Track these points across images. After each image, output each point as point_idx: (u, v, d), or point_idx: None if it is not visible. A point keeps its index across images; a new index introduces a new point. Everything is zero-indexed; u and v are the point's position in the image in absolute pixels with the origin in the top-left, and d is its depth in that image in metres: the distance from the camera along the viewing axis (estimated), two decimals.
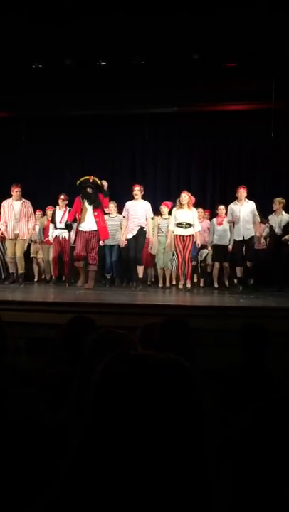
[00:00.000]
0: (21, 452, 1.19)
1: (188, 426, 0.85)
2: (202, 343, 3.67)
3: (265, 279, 8.75)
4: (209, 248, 9.35)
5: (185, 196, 8.04)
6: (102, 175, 8.62)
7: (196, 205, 8.76)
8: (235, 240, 8.36)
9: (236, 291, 8.24)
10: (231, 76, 9.12)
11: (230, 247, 8.65)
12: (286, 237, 8.23)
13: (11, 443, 1.19)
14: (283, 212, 8.46)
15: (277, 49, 8.56)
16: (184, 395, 0.87)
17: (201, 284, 9.58)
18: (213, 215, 9.58)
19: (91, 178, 7.91)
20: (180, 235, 8.00)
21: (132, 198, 8.24)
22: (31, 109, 10.27)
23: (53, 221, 9.10)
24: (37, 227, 9.62)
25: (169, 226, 8.25)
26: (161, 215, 9.03)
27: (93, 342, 1.66)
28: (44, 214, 9.93)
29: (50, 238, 9.24)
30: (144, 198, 8.31)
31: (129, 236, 8.10)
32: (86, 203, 7.85)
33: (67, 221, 8.40)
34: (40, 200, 10.01)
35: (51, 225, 9.20)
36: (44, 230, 9.77)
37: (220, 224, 9.09)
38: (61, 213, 8.92)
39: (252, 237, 8.22)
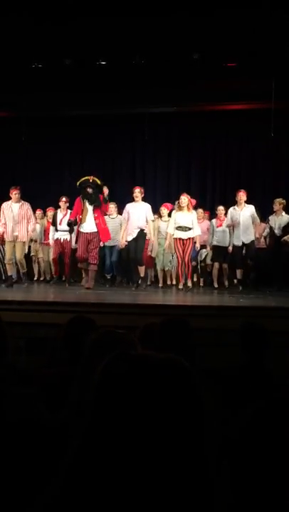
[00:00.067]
0: (21, 452, 1.19)
1: (188, 426, 0.85)
2: (202, 343, 3.67)
3: (265, 279, 8.75)
4: (208, 248, 9.35)
5: (185, 199, 8.05)
6: (102, 175, 8.62)
7: (196, 206, 8.77)
8: (234, 245, 8.36)
9: (236, 291, 8.24)
10: (231, 76, 9.11)
11: (230, 248, 8.65)
12: (285, 238, 8.23)
13: (10, 443, 1.19)
14: (283, 213, 8.46)
15: (277, 49, 8.55)
16: (184, 395, 0.87)
17: (201, 284, 9.58)
18: (212, 216, 9.57)
19: (91, 178, 7.92)
20: (180, 238, 8.01)
21: (132, 199, 8.23)
22: (31, 109, 10.27)
23: (53, 223, 9.11)
24: (38, 226, 9.62)
25: (168, 228, 8.26)
26: (160, 216, 9.04)
27: (93, 342, 1.66)
28: (45, 214, 9.93)
29: (51, 241, 9.24)
30: (144, 198, 8.31)
31: (130, 238, 8.09)
32: (87, 204, 7.86)
33: (69, 219, 8.38)
34: (40, 200, 10.01)
35: (52, 228, 9.20)
36: (44, 232, 9.77)
37: (219, 226, 9.09)
38: (62, 216, 8.94)
39: (252, 241, 8.22)
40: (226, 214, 8.76)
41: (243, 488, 0.88)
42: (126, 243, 8.20)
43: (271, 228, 8.58)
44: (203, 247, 9.15)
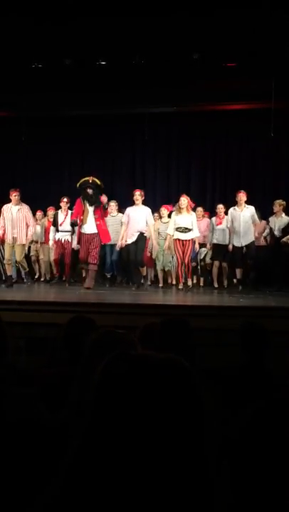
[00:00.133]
0: (21, 452, 1.19)
1: (188, 426, 0.85)
2: (202, 343, 3.67)
3: (265, 279, 8.76)
4: (208, 247, 9.35)
5: (184, 200, 8.07)
6: (102, 175, 8.63)
7: (196, 205, 8.78)
8: (234, 245, 8.37)
9: (236, 290, 8.25)
10: (231, 76, 9.11)
11: (230, 246, 8.65)
12: (284, 239, 8.24)
13: (10, 443, 1.19)
14: (283, 215, 8.46)
15: (277, 49, 8.55)
16: (184, 394, 0.87)
17: (201, 284, 9.58)
18: (212, 216, 9.57)
19: (90, 179, 7.93)
20: (179, 239, 8.03)
21: (132, 202, 8.23)
22: (31, 109, 10.27)
23: (54, 224, 9.11)
24: (38, 227, 9.62)
25: (167, 230, 8.27)
26: (160, 217, 9.06)
27: (93, 342, 1.66)
28: (45, 215, 9.93)
29: (51, 242, 9.23)
30: (144, 200, 8.31)
31: (129, 241, 8.10)
32: (87, 205, 7.88)
33: (72, 219, 8.38)
34: (40, 200, 10.02)
35: (52, 228, 9.20)
36: (45, 232, 9.77)
37: (219, 224, 9.08)
38: (63, 217, 8.94)
39: (252, 242, 8.24)
40: (225, 212, 8.77)
41: (243, 488, 0.88)
42: (125, 243, 8.20)
43: (271, 229, 8.60)
44: (202, 245, 9.16)
